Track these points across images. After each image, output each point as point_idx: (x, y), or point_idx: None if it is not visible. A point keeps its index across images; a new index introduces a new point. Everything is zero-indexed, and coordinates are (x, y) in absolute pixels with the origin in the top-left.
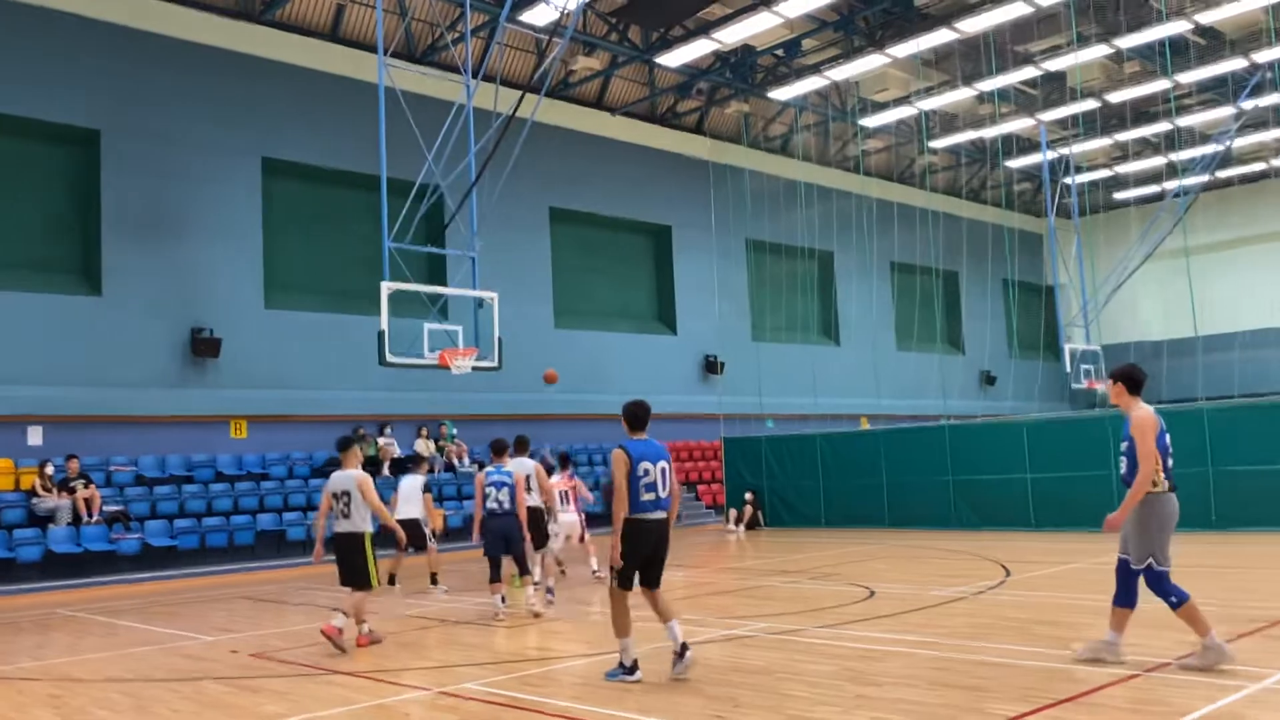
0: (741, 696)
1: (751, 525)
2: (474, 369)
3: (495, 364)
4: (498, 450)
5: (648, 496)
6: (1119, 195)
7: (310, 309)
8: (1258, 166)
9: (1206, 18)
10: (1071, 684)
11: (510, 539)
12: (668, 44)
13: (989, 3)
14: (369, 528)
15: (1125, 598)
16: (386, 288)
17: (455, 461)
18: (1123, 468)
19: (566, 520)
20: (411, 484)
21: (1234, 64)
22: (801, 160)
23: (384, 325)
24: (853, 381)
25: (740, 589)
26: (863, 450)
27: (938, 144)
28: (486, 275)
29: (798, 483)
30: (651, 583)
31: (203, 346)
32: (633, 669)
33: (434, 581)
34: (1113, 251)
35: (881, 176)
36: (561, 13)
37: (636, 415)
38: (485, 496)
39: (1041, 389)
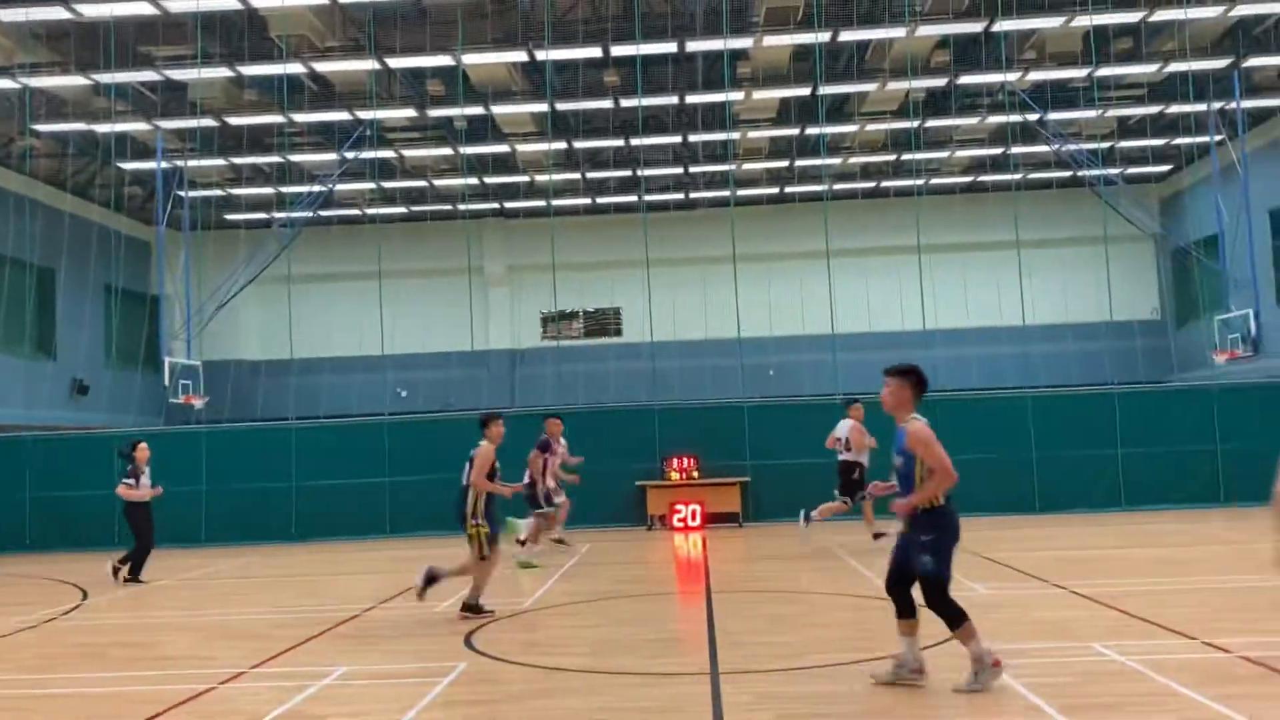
0: None
1: None
2: None
3: None
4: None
5: None
6: (230, 216)
7: None
8: (354, 211)
9: (321, 67)
10: (147, 705)
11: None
12: None
13: None
14: None
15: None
16: None
17: None
18: None
19: None
20: None
21: (341, 115)
22: None
23: None
24: None
25: None
26: None
27: (43, 127)
28: None
29: None
30: None
31: None
32: None
33: None
34: (220, 270)
35: None
36: None
37: None
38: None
39: (139, 401)
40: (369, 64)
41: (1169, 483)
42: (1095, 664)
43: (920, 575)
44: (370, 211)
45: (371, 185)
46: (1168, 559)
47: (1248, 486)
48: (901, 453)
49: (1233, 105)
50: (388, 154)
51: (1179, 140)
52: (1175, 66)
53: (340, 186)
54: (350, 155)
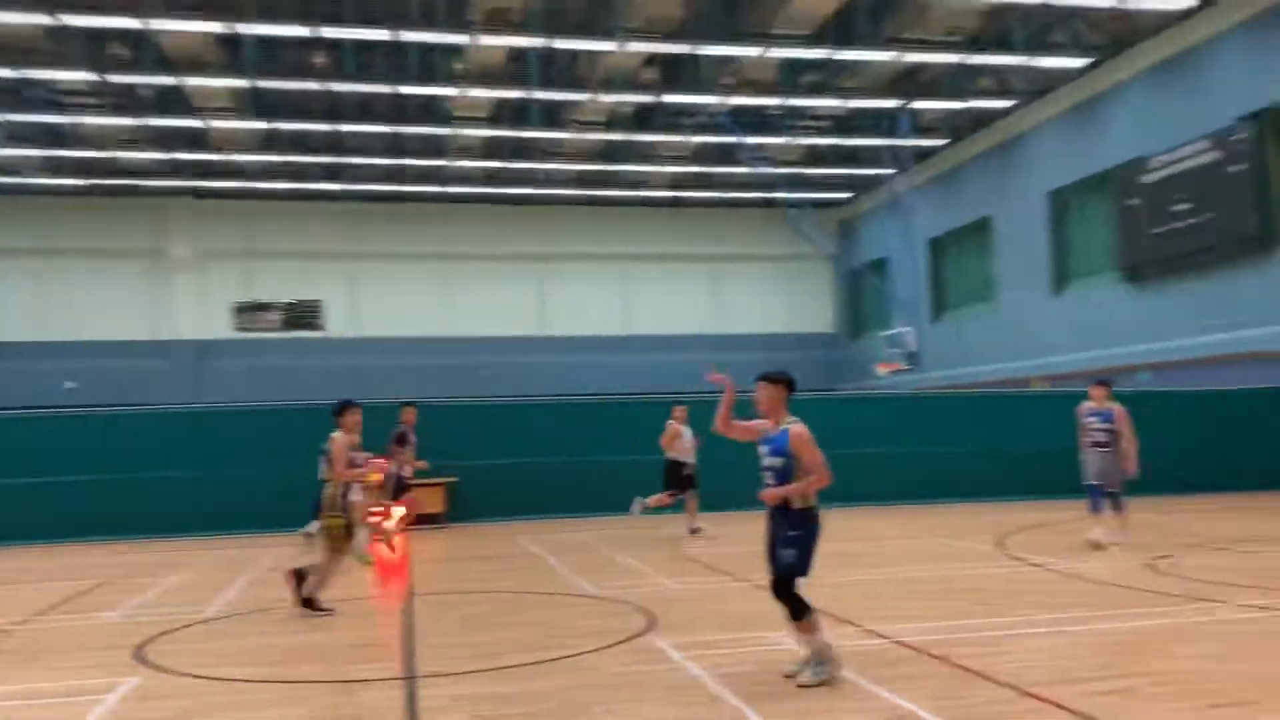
0: None
1: None
2: None
3: None
4: None
5: None
6: None
7: None
8: (17, 180)
9: None
10: None
11: None
12: None
13: None
14: None
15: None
16: None
17: None
18: None
19: None
20: None
21: (4, 72)
22: None
23: None
24: None
25: None
26: None
27: None
28: None
29: None
30: None
31: None
32: None
33: None
34: None
35: None
36: None
37: None
38: None
39: None
40: (41, 18)
41: (839, 483)
42: (773, 654)
43: (777, 565)
44: (36, 181)
45: (38, 152)
46: (840, 553)
47: (909, 487)
48: (781, 453)
49: (902, 142)
50: (59, 119)
51: (855, 170)
52: (855, 103)
53: (1, 151)
54: (13, 118)
